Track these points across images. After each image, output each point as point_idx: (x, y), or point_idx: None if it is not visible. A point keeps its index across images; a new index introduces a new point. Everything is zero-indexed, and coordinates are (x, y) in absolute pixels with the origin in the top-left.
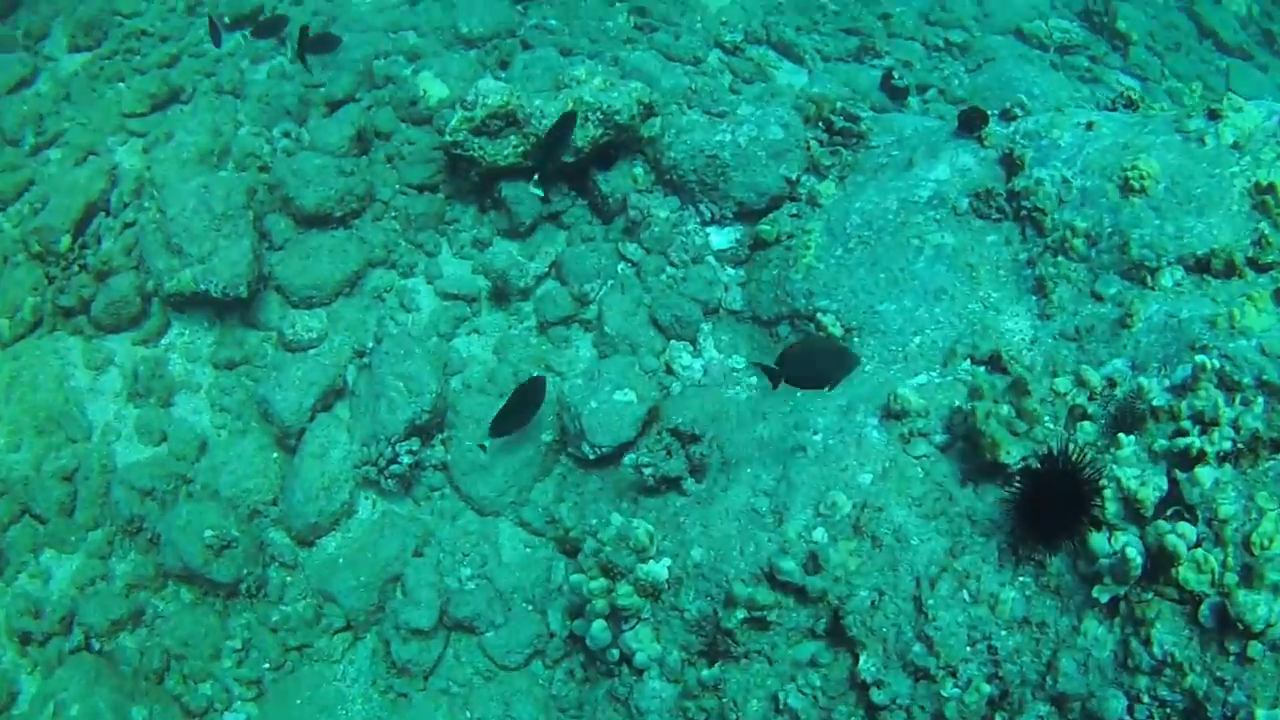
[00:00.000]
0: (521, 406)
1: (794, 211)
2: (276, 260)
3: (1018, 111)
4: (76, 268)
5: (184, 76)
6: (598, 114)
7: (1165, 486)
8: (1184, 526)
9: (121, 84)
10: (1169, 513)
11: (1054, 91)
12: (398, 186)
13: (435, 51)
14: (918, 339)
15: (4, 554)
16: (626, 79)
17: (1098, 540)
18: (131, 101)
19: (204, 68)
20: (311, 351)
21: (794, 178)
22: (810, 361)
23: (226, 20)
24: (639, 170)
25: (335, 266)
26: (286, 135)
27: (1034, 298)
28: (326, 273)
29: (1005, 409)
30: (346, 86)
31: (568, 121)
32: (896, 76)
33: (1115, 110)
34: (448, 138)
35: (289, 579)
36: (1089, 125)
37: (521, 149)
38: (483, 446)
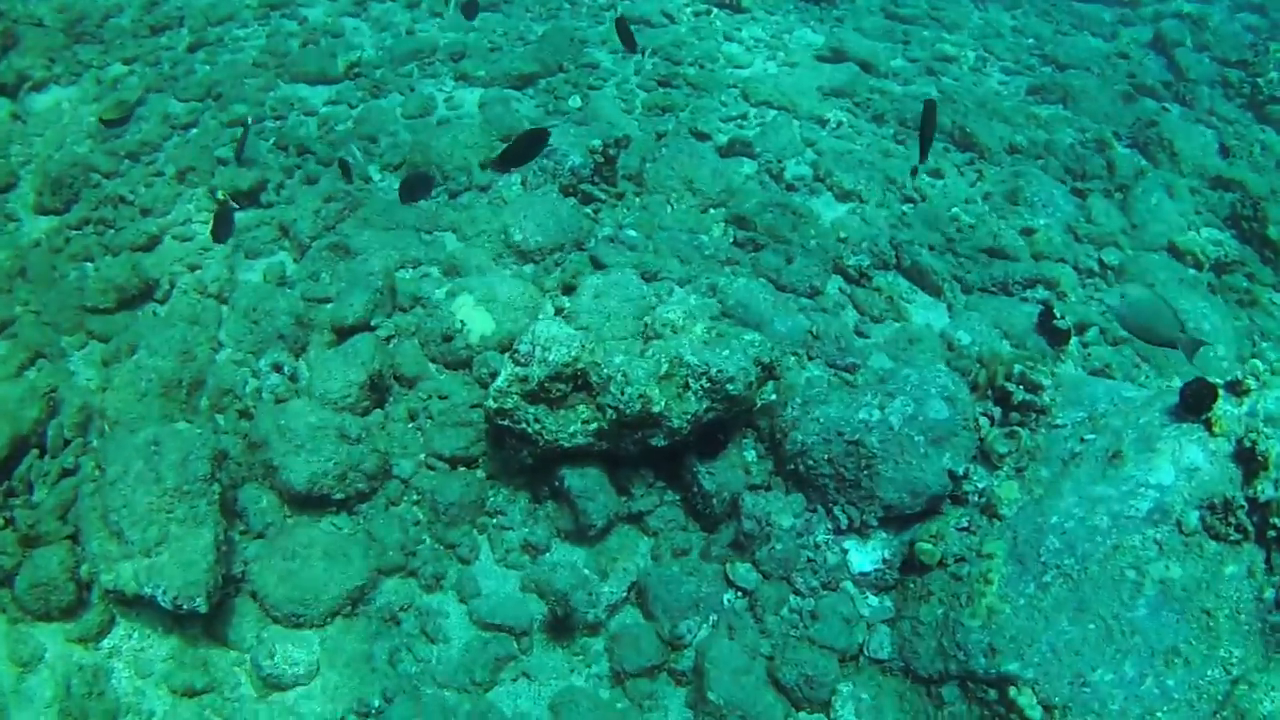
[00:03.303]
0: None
1: (963, 523)
2: (253, 554)
3: (1251, 383)
4: (1, 520)
5: (162, 265)
6: (703, 381)
7: None
8: None
9: (89, 264)
10: None
11: (1223, 325)
12: (423, 457)
13: (480, 265)
14: None
15: None
16: (731, 319)
17: None
18: (95, 293)
19: (189, 256)
20: (297, 692)
21: (961, 472)
22: None
23: (220, 195)
24: (750, 454)
25: (332, 575)
26: (278, 369)
27: None
28: (319, 582)
29: None
30: (359, 308)
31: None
32: (1058, 315)
33: None
34: (492, 402)
35: None
36: None
37: (595, 425)
38: None
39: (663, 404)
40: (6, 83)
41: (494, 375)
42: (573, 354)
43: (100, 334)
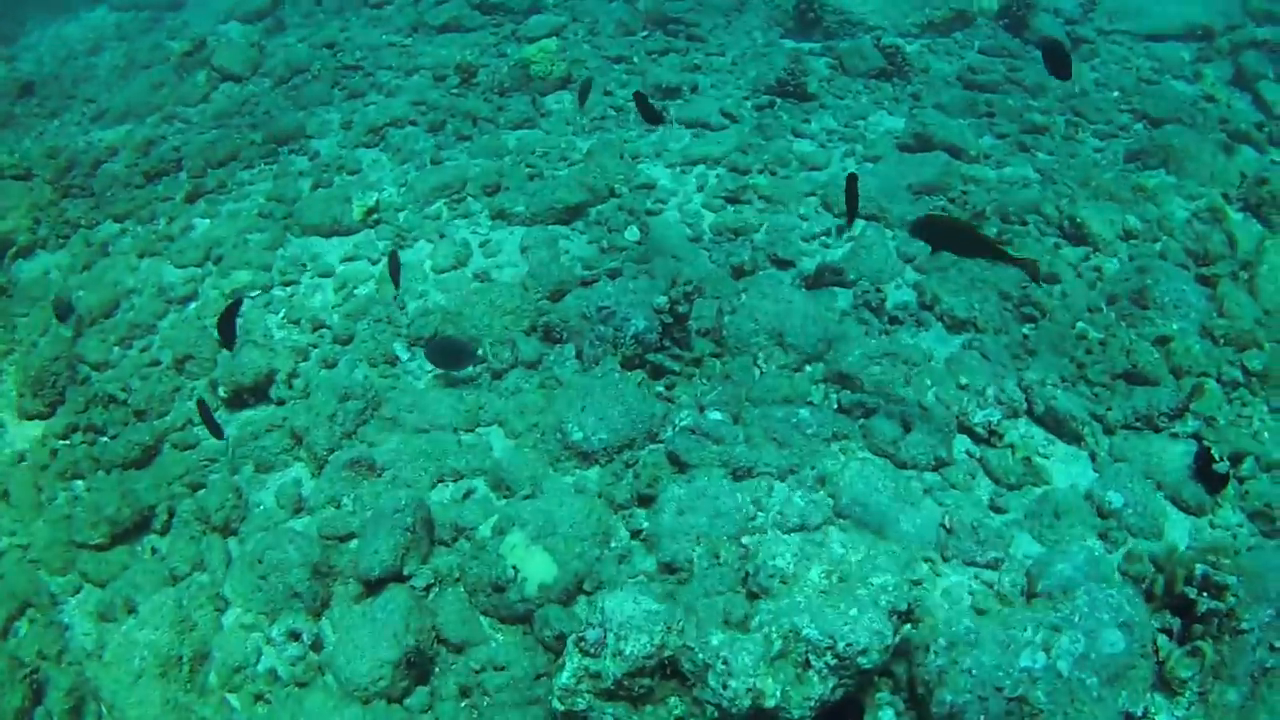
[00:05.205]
0: None
1: None
2: None
3: None
4: None
5: (158, 489)
6: (827, 658)
7: None
8: None
9: (80, 483)
10: None
11: None
12: None
13: (532, 475)
14: None
15: None
16: (847, 520)
17: None
18: (85, 525)
19: (191, 473)
20: None
21: (1139, 712)
22: None
23: (222, 393)
24: (888, 715)
25: None
26: (295, 638)
27: None
28: None
29: None
30: (387, 555)
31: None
32: (1217, 458)
33: None
34: (558, 703)
35: None
36: None
37: None
38: None
39: (778, 694)
40: None
41: (559, 640)
42: (655, 641)
43: (95, 577)
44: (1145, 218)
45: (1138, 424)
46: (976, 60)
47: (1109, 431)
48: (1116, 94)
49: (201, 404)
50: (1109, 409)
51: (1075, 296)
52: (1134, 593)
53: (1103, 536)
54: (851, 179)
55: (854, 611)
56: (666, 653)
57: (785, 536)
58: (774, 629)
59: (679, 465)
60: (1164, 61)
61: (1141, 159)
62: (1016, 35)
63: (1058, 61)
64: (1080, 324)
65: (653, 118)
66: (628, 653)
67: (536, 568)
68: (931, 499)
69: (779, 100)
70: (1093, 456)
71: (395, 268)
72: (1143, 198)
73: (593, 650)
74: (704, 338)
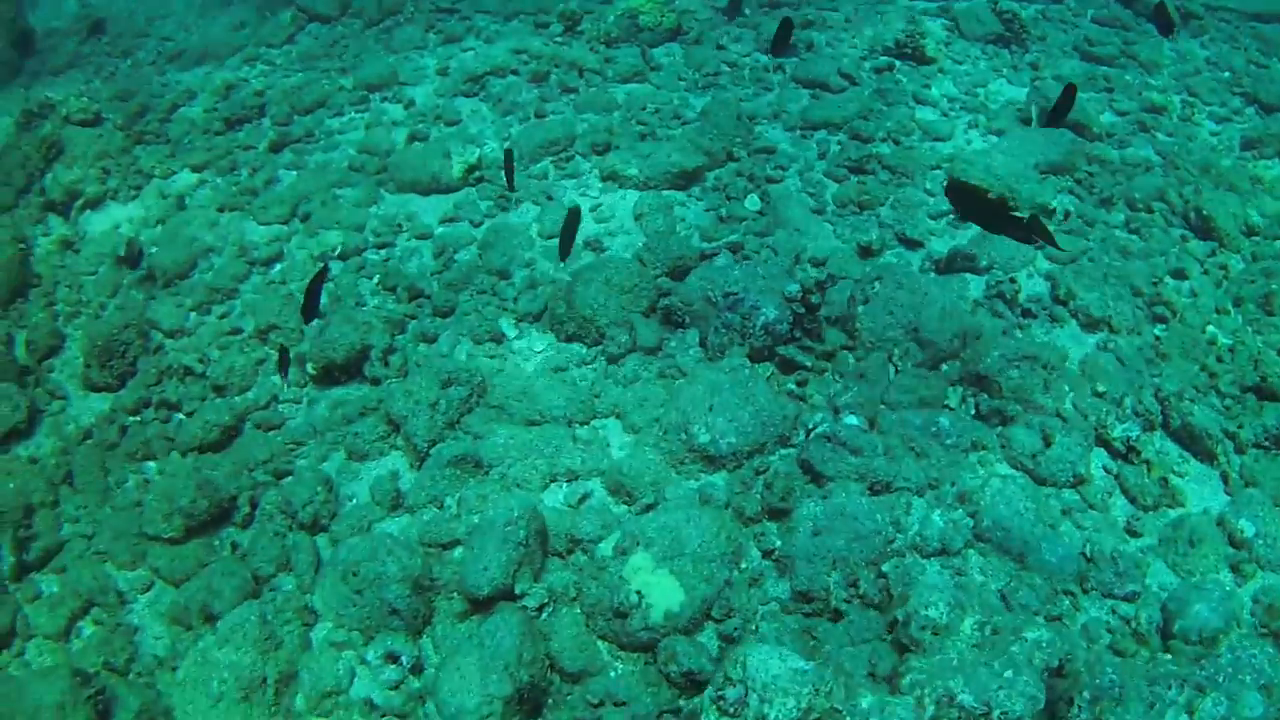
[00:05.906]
0: None
1: None
2: None
3: None
4: None
5: (239, 475)
6: None
7: None
8: None
9: (152, 464)
10: None
11: None
12: None
13: (655, 479)
14: None
15: None
16: (988, 544)
17: None
18: (157, 516)
19: (276, 458)
20: None
21: None
22: None
23: (311, 369)
24: None
25: None
26: (394, 660)
27: None
28: None
29: None
30: (496, 573)
31: None
32: None
33: None
34: None
35: None
36: None
37: None
38: None
39: None
40: (55, 200)
41: (686, 676)
42: (802, 705)
43: (168, 574)
44: (1264, 212)
45: (1267, 443)
46: (1093, 31)
47: (1240, 450)
48: (1228, 74)
49: (283, 351)
50: (1240, 426)
51: (1204, 295)
52: (1275, 652)
53: (1234, 569)
54: (1071, 89)
55: (1009, 673)
56: (813, 716)
57: (930, 568)
58: (927, 692)
59: (813, 475)
60: (1270, 44)
61: (1257, 147)
62: (1128, 6)
63: (1160, 18)
64: (1210, 328)
65: (783, 40)
66: (772, 717)
67: (662, 593)
68: (1070, 521)
69: (897, 63)
70: (1224, 477)
71: (510, 166)
72: (1261, 190)
73: (733, 711)
74: (834, 326)
